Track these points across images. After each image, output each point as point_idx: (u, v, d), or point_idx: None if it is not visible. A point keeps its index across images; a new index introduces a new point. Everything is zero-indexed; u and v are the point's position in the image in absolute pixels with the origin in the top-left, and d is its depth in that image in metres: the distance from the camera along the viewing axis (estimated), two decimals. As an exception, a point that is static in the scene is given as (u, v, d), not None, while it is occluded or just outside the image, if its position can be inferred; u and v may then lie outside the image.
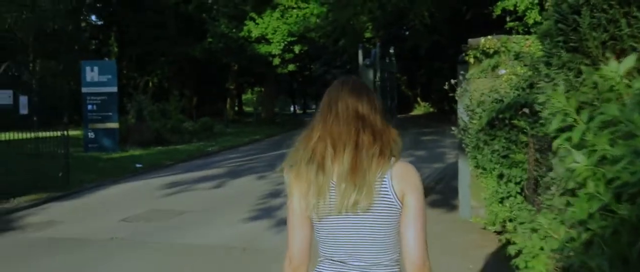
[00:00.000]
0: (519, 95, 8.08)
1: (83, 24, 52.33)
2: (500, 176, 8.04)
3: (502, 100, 8.16)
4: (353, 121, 2.70)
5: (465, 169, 10.03)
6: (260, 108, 53.47)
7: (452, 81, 8.98)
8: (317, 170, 2.70)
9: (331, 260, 2.77)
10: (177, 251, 9.42)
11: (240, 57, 43.99)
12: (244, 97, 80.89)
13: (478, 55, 9.43)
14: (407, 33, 54.77)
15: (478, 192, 9.84)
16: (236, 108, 70.20)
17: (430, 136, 30.17)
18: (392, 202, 2.65)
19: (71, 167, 17.96)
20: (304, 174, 2.75)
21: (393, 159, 2.71)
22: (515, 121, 7.39)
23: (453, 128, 9.33)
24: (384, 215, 2.65)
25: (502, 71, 8.54)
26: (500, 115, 7.62)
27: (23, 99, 15.19)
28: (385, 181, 2.65)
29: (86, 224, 11.43)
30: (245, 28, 41.42)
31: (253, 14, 41.60)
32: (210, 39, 43.22)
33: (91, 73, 25.07)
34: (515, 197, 7.99)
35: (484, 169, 8.24)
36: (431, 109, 60.43)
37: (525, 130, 7.36)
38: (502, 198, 8.16)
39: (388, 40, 50.05)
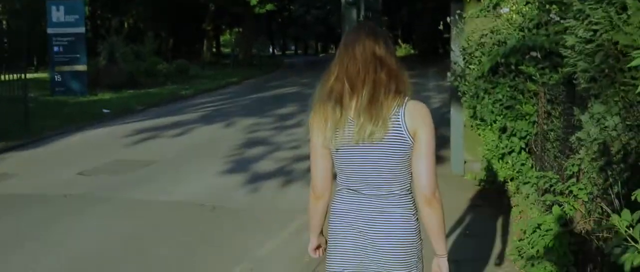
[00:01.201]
0: (524, 37, 7.06)
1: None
2: (503, 130, 7.06)
3: (505, 43, 7.14)
4: (371, 61, 2.86)
5: (459, 119, 9.05)
6: (237, 50, 51.98)
7: (448, 19, 7.89)
8: (334, 105, 2.87)
9: (348, 189, 2.97)
10: (137, 210, 8.44)
11: (217, -3, 42.51)
12: (222, 38, 79.32)
13: (476, -10, 8.40)
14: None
15: (473, 145, 8.89)
16: (214, 50, 68.76)
17: (413, 78, 28.51)
18: (404, 136, 2.83)
19: (33, 113, 16.89)
20: (322, 110, 2.91)
21: (407, 97, 2.90)
22: (523, 67, 6.38)
23: (448, 73, 8.33)
24: (396, 147, 2.84)
25: (504, 10, 7.49)
26: (504, 60, 6.60)
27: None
28: (398, 117, 2.83)
29: (40, 178, 10.37)
30: (221, -34, 39.87)
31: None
32: (187, -22, 41.60)
33: (57, 13, 23.67)
34: (518, 153, 7.02)
35: (483, 120, 7.25)
36: (413, 51, 59.41)
37: (534, 78, 6.36)
38: (503, 154, 7.19)
39: (369, -20, 48.96)
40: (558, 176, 4.99)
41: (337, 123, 2.85)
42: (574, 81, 4.92)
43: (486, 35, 7.50)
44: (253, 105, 21.29)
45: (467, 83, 7.45)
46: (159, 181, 10.04)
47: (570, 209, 4.55)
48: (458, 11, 8.29)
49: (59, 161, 11.90)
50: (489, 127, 7.22)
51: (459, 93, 7.85)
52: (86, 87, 24.04)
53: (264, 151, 12.28)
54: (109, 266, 6.47)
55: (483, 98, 7.06)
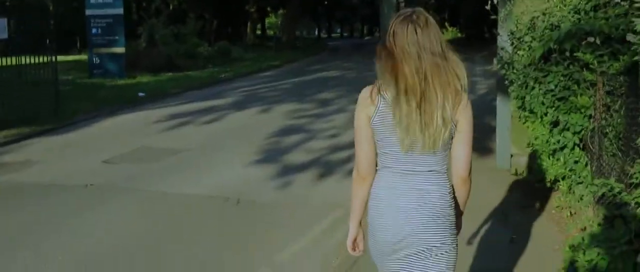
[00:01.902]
0: (580, 20, 6.33)
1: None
2: (555, 123, 6.34)
3: (558, 27, 6.41)
4: (435, 64, 2.93)
5: (505, 110, 8.32)
6: (280, 32, 51.41)
7: (495, 0, 7.16)
8: (406, 107, 2.93)
9: (390, 170, 3.07)
10: (157, 203, 7.94)
11: (260, -22, 41.94)
12: (268, 21, 78.93)
13: (527, -31, 7.66)
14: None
15: (520, 137, 8.18)
16: (259, 32, 68.35)
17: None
18: (452, 130, 3.00)
19: (68, 96, 16.56)
20: (389, 106, 2.98)
21: (464, 94, 3.02)
22: (579, 54, 5.66)
23: (494, 60, 7.61)
24: (445, 141, 3.00)
25: None
26: (558, 46, 5.88)
27: (1, 22, 13.48)
28: (451, 114, 2.97)
29: (64, 166, 9.93)
30: (265, -53, 39.24)
31: None
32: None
33: (95, -6, 23.34)
34: (572, 150, 6.29)
35: (532, 112, 6.54)
36: (459, 34, 58.23)
37: (591, 66, 5.64)
38: (555, 150, 6.47)
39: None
40: (622, 185, 4.29)
41: (405, 127, 2.95)
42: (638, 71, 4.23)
43: (537, 17, 6.77)
44: (293, 89, 20.68)
45: (515, 71, 6.72)
46: (185, 171, 9.52)
47: (638, 225, 3.86)
48: None
49: (86, 148, 11.45)
50: (539, 120, 6.49)
51: (506, 82, 7.12)
52: (124, 69, 23.67)
53: (299, 139, 11.69)
54: (119, 262, 5.98)
55: (533, 88, 6.34)
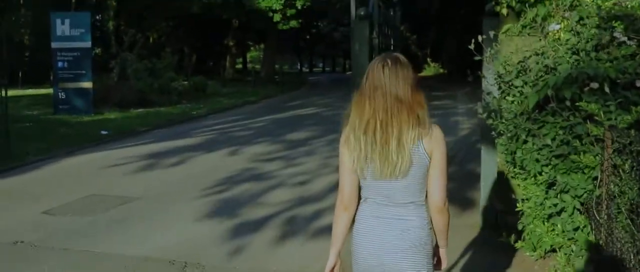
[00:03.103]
0: (579, 61, 5.38)
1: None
2: (551, 184, 5.36)
3: (554, 69, 5.46)
4: (394, 104, 3.27)
5: (491, 162, 7.33)
6: (260, 67, 50.60)
7: (480, 38, 6.15)
8: (365, 140, 3.29)
9: (373, 200, 3.40)
10: (94, 267, 6.85)
11: (239, 12, 41.06)
12: (250, 55, 78.26)
13: (514, 3, 6.69)
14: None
15: (508, 192, 7.20)
16: (240, 66, 67.46)
17: (441, 100, 27.21)
18: (424, 160, 3.30)
19: (24, 134, 15.49)
20: (355, 140, 3.33)
21: (425, 124, 3.30)
22: (583, 104, 4.69)
23: (478, 108, 6.62)
24: (418, 171, 3.30)
25: (554, 26, 5.79)
26: (555, 94, 4.91)
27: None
28: (419, 144, 3.28)
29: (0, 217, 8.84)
30: (244, -20, 38.45)
31: (253, -35, 38.58)
32: (209, -7, 40.16)
33: (62, 26, 22.19)
34: (571, 215, 5.29)
35: (523, 169, 5.55)
36: (441, 70, 57.59)
37: (597, 118, 4.67)
38: (551, 214, 5.48)
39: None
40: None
41: (368, 158, 3.29)
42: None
43: (529, 57, 5.81)
44: (266, 128, 19.65)
45: (504, 120, 5.73)
46: (133, 225, 8.46)
47: None
48: (490, 29, 6.58)
49: (28, 195, 10.31)
50: (532, 178, 5.50)
51: (493, 133, 6.12)
52: (91, 105, 22.58)
53: (263, 188, 10.63)
54: None
55: (525, 141, 5.36)
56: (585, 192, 5.07)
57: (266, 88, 39.63)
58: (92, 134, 17.34)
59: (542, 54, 5.72)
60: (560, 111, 4.99)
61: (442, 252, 3.54)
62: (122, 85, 26.19)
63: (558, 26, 5.70)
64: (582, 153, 4.88)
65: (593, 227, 5.01)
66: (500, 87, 6.19)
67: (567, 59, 5.57)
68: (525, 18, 6.31)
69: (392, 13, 9.53)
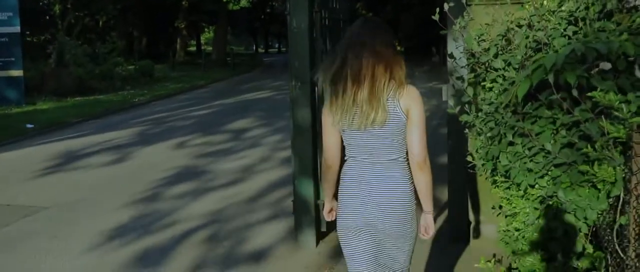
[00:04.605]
0: (580, 35, 3.99)
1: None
2: (545, 200, 3.94)
3: (547, 45, 4.05)
4: (370, 57, 3.35)
5: (461, 161, 5.90)
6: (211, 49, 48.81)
7: (445, 6, 4.65)
8: (342, 94, 3.38)
9: (355, 158, 3.52)
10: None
11: (187, -8, 39.25)
12: (205, 36, 76.16)
13: (486, -36, 5.26)
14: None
15: (485, 198, 5.84)
16: (194, 49, 65.49)
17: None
18: (400, 116, 3.37)
19: None
20: (332, 95, 3.46)
21: (402, 84, 3.39)
22: (598, 94, 3.25)
23: (444, 95, 5.22)
24: (394, 126, 3.38)
25: None
26: (554, 79, 3.48)
27: None
28: (394, 100, 3.36)
29: None
30: (191, -42, 36.58)
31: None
32: (156, -28, 38.23)
33: (-15, 10, 20.39)
34: (575, 245, 3.89)
35: (508, 177, 4.15)
36: (399, 48, 56.29)
37: (616, 113, 3.25)
38: (548, 238, 4.07)
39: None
40: None
41: (344, 109, 3.38)
42: None
43: (512, 30, 4.37)
44: (210, 116, 18.06)
45: (481, 114, 4.31)
46: (25, 246, 6.92)
47: None
48: None
49: None
50: (521, 192, 4.10)
51: (466, 130, 4.68)
52: (23, 95, 20.80)
53: (193, 191, 9.13)
54: None
55: (512, 143, 3.95)
56: (601, 215, 3.68)
57: (217, 71, 37.97)
58: (15, 128, 15.64)
59: (530, 25, 4.30)
60: (562, 102, 3.58)
61: (428, 217, 3.58)
62: (59, 72, 24.42)
63: (548, -12, 4.29)
64: (596, 162, 3.48)
65: (610, 262, 3.61)
66: (473, 70, 4.76)
67: (562, 30, 4.17)
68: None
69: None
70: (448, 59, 5.38)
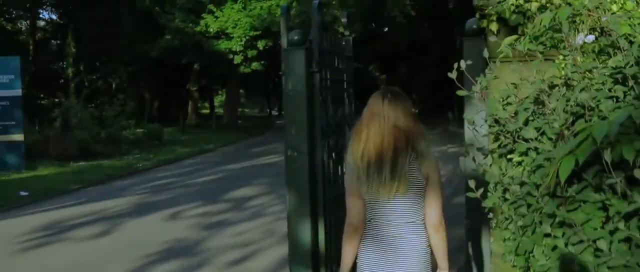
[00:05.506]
0: (637, 97, 3.16)
1: (42, 23, 48.46)
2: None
3: (593, 110, 3.22)
4: (392, 131, 3.62)
5: (485, 250, 5.01)
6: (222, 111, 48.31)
7: (462, 65, 3.82)
8: (367, 169, 3.62)
9: (376, 221, 3.72)
10: None
11: (198, 55, 38.75)
12: (218, 99, 75.88)
13: (508, 14, 4.46)
14: (385, 29, 50.14)
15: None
16: (207, 111, 65.10)
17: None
18: (421, 184, 3.62)
19: None
20: (353, 165, 3.69)
21: (423, 152, 3.65)
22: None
23: (460, 161, 4.41)
24: (415, 193, 3.62)
25: (589, 37, 3.48)
26: (610, 153, 2.64)
27: None
28: (415, 168, 3.60)
29: None
30: (202, 22, 36.12)
31: (212, 7, 36.25)
32: (167, 36, 37.79)
33: (-14, 73, 19.81)
34: None
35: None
36: (413, 110, 55.64)
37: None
38: None
39: (365, 36, 45.33)
40: None
41: (369, 184, 3.62)
42: None
43: (545, 91, 3.54)
44: (214, 183, 17.20)
45: (510, 197, 3.42)
46: None
47: None
48: (473, 52, 4.28)
49: None
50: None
51: (491, 217, 3.78)
52: (23, 159, 20.08)
53: (184, 269, 8.29)
54: None
55: (548, 235, 3.09)
56: None
57: (228, 134, 37.22)
58: (8, 196, 14.86)
59: (567, 84, 3.47)
60: (613, 184, 2.74)
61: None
62: (64, 136, 23.78)
63: (592, 37, 3.46)
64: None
65: None
66: (497, 139, 3.92)
67: (606, 90, 3.34)
68: (533, 27, 4.05)
69: (344, 43, 7.24)
70: (466, 125, 4.52)
